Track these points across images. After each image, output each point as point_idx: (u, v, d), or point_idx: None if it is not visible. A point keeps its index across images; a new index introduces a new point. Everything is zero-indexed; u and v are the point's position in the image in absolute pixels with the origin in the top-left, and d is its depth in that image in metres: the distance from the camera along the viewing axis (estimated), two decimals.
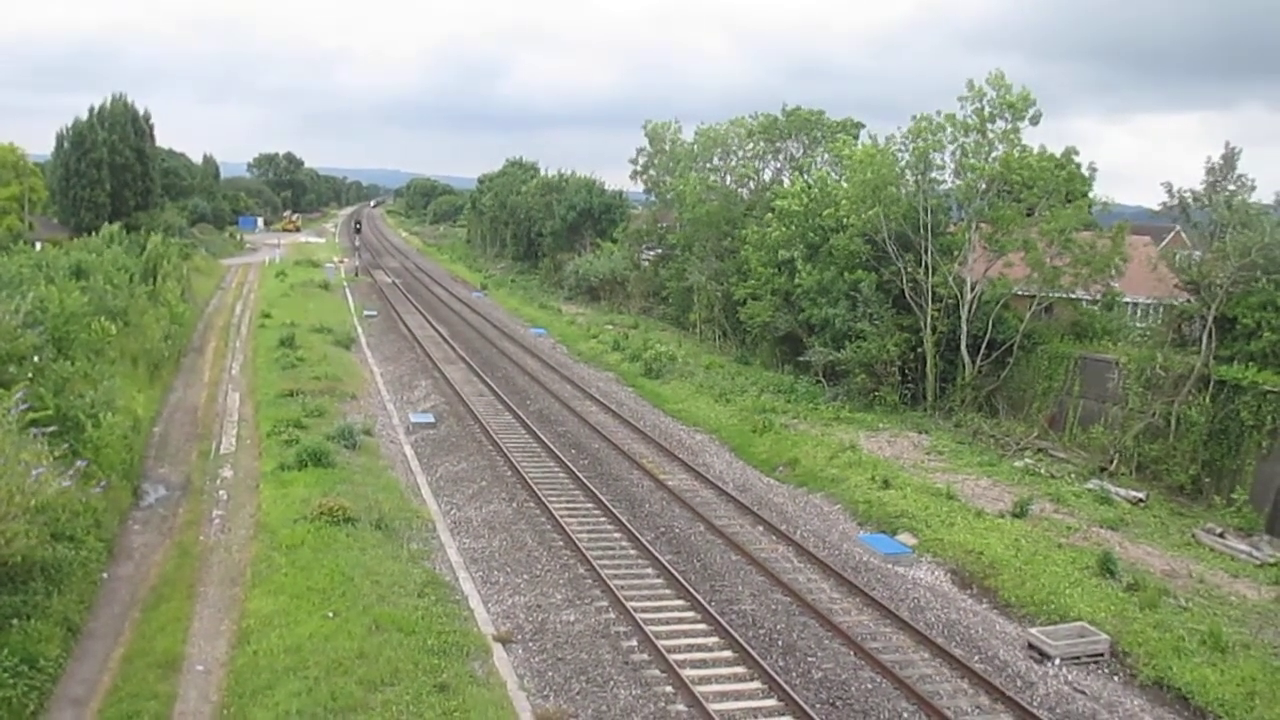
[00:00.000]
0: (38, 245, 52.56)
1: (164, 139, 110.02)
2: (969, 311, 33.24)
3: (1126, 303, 35.90)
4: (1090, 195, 34.86)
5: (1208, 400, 25.89)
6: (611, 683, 15.25)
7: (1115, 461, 27.70)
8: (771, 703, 14.87)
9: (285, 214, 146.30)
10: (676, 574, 19.23)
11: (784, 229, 38.71)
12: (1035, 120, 32.89)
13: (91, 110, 77.54)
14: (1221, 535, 22.83)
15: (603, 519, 22.73)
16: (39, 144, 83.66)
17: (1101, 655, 17.20)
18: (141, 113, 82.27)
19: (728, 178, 51.71)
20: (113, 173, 76.67)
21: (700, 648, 16.53)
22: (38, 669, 14.19)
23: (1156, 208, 30.02)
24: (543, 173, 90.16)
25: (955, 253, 34.50)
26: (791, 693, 14.84)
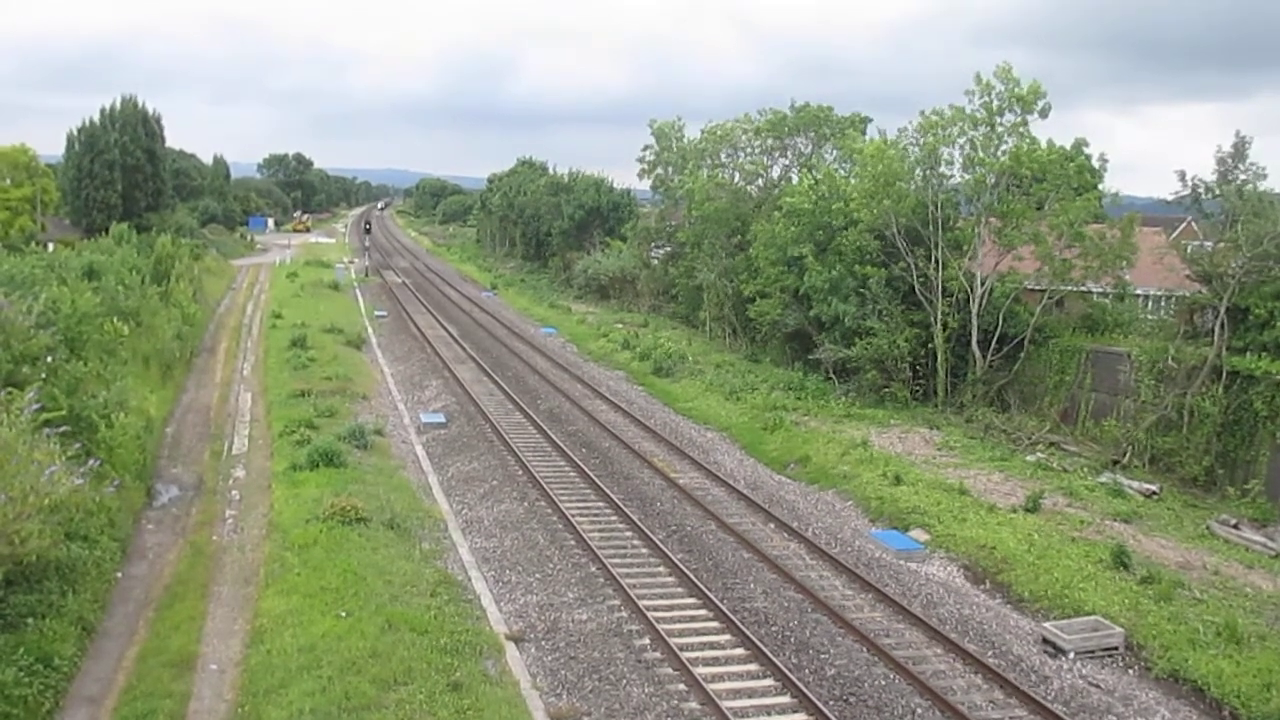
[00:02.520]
0: (50, 246, 52.86)
1: (175, 140, 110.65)
2: (979, 306, 33.12)
3: (1138, 295, 35.74)
4: (1100, 187, 34.70)
5: (1221, 391, 25.73)
6: (624, 681, 15.25)
7: (1128, 454, 27.58)
8: (785, 700, 14.85)
9: (295, 214, 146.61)
10: (688, 572, 19.22)
11: (793, 228, 38.62)
12: (1044, 113, 32.70)
13: (102, 111, 77.88)
14: (1236, 526, 22.71)
15: (614, 518, 22.73)
16: (51, 145, 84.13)
17: (1116, 648, 17.14)
18: (152, 113, 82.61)
19: (736, 175, 51.62)
20: (124, 174, 76.95)
21: (713, 645, 16.52)
22: (53, 668, 14.27)
23: (1169, 198, 29.81)
24: (552, 172, 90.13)
25: (965, 247, 34.37)
26: (805, 690, 14.82)
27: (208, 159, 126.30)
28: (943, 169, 34.72)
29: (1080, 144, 34.68)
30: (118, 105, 78.98)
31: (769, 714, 14.48)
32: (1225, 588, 19.31)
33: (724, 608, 17.59)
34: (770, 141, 49.82)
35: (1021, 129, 33.02)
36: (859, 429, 31.00)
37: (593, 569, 19.65)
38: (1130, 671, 16.70)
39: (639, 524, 21.91)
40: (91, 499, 18.37)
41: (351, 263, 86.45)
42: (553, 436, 29.31)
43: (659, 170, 59.43)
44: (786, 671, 15.35)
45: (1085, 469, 27.07)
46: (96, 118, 77.28)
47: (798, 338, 40.48)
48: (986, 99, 32.83)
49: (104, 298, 30.81)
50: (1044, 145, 33.52)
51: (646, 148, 59.79)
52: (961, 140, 33.79)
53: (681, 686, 15.11)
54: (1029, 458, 28.08)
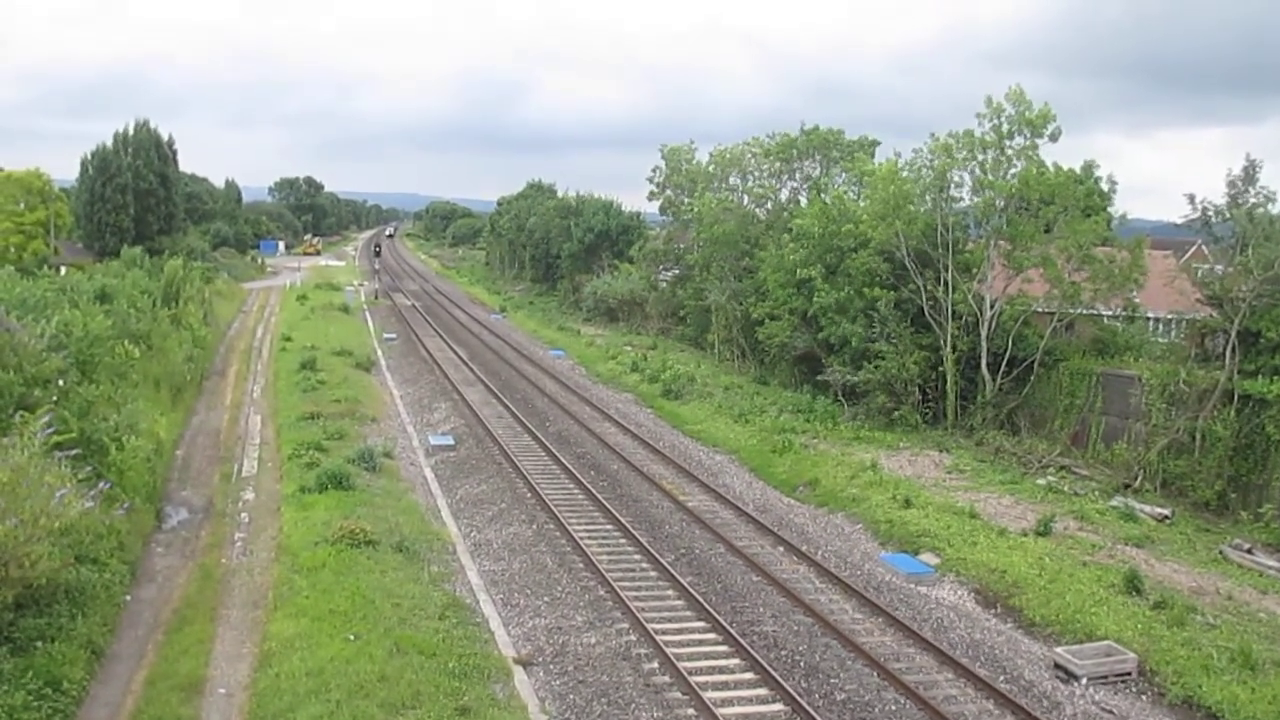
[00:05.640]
0: (62, 270, 53.23)
1: (187, 164, 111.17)
2: (989, 329, 33.08)
3: (1148, 318, 35.69)
4: (1110, 209, 34.71)
5: (1232, 415, 25.61)
6: (633, 705, 15.18)
7: (1140, 478, 27.44)
8: None
9: (306, 238, 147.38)
10: (697, 595, 19.14)
11: (802, 250, 38.68)
12: (1055, 137, 32.73)
13: (116, 136, 78.49)
14: (1249, 551, 22.55)
15: (623, 540, 22.67)
16: (65, 169, 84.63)
17: (1129, 674, 17.00)
18: (165, 138, 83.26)
19: (744, 198, 51.77)
20: (136, 197, 77.46)
21: (722, 669, 16.43)
22: (61, 691, 14.26)
23: (1179, 221, 29.81)
24: (561, 194, 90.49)
25: (974, 270, 34.36)
26: (815, 715, 14.72)
27: (219, 182, 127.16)
28: (952, 192, 34.79)
29: (1090, 166, 34.73)
30: (131, 130, 79.62)
31: None
32: (1239, 613, 19.16)
33: (733, 631, 17.51)
34: (778, 164, 50.03)
35: (1030, 152, 33.07)
36: (868, 452, 30.91)
37: (601, 592, 19.59)
38: (1143, 698, 16.56)
39: (648, 547, 21.85)
40: (101, 522, 18.42)
41: (361, 285, 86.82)
42: (561, 459, 29.29)
43: (668, 192, 59.65)
44: (796, 696, 15.25)
45: (1096, 493, 26.94)
46: (110, 142, 77.91)
47: (806, 360, 40.45)
48: (997, 122, 32.91)
49: (115, 321, 30.98)
50: (1052, 169, 33.55)
51: (656, 170, 60.09)
52: (971, 164, 33.86)
53: (691, 711, 15.02)
54: (1040, 481, 27.95)
